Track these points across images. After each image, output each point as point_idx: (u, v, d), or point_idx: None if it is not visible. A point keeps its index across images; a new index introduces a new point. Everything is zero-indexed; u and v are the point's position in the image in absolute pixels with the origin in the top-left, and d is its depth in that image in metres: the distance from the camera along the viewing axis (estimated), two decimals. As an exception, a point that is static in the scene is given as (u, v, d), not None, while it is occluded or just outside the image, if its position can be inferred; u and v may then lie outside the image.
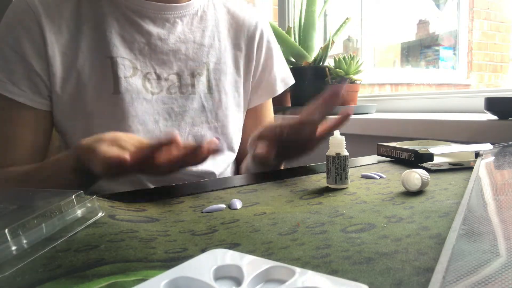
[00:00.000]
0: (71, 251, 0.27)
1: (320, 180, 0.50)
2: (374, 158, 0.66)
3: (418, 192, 0.41)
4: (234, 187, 0.48)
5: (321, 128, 0.54)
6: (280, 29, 1.38)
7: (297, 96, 1.40)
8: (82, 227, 0.31)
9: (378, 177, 0.50)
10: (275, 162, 0.61)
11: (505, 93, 1.14)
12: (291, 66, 1.43)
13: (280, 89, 0.81)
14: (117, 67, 0.63)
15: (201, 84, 0.70)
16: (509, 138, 0.71)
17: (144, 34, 0.65)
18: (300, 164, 0.63)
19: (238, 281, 0.21)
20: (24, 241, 0.27)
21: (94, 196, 0.34)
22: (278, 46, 0.84)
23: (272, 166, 0.63)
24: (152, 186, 0.64)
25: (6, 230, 0.26)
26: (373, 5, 2.24)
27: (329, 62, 1.36)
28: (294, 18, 1.50)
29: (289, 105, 1.48)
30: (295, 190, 0.45)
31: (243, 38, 0.76)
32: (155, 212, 0.37)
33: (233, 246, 0.28)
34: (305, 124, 0.54)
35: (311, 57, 1.41)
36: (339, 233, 0.30)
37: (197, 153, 0.44)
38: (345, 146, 0.46)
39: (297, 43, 1.43)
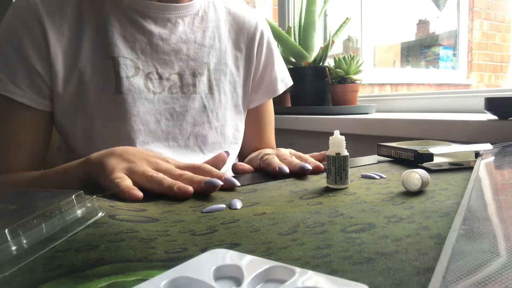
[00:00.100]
0: (71, 251, 0.27)
1: (320, 180, 0.50)
2: (374, 158, 0.66)
3: (418, 192, 0.41)
4: (234, 187, 0.48)
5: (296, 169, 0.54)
6: (280, 29, 1.38)
7: (297, 96, 1.40)
8: (82, 227, 0.31)
9: (378, 177, 0.50)
10: None
11: (505, 93, 1.14)
12: (291, 66, 1.43)
13: (281, 89, 0.82)
14: (119, 67, 0.63)
15: (202, 84, 0.70)
16: (509, 138, 0.71)
17: (145, 34, 0.65)
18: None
19: (238, 281, 0.21)
20: (24, 241, 0.27)
21: (94, 196, 0.34)
22: (277, 47, 0.84)
23: None
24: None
25: (6, 230, 0.26)
26: (373, 5, 2.24)
27: (329, 62, 1.36)
28: (294, 18, 1.50)
29: (289, 105, 1.48)
30: (295, 190, 0.45)
31: (244, 39, 0.76)
32: (155, 212, 0.37)
33: (233, 246, 0.28)
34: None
35: (311, 57, 1.41)
36: (339, 233, 0.30)
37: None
38: (345, 146, 0.46)
39: (297, 43, 1.43)
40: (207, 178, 0.44)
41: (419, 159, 0.56)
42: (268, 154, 0.58)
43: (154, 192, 0.44)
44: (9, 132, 0.63)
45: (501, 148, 0.60)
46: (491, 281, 0.20)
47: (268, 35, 0.80)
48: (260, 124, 0.83)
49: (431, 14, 3.06)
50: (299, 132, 1.27)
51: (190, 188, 0.43)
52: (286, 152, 0.60)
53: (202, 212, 0.37)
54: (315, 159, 0.57)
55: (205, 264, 0.22)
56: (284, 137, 1.33)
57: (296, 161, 0.54)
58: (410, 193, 0.41)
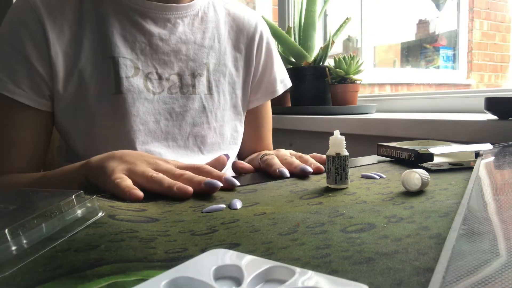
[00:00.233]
0: (71, 251, 0.27)
1: (320, 180, 0.50)
2: (374, 158, 0.66)
3: (418, 192, 0.41)
4: (234, 187, 0.48)
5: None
6: (280, 29, 1.38)
7: (297, 96, 1.40)
8: (82, 227, 0.31)
9: (378, 177, 0.50)
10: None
11: (505, 93, 1.14)
12: (291, 66, 1.43)
13: (280, 90, 0.82)
14: (118, 67, 0.63)
15: (202, 85, 0.70)
16: (509, 138, 0.71)
17: (145, 34, 0.65)
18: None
19: (238, 281, 0.21)
20: (24, 241, 0.27)
21: (94, 196, 0.34)
22: (276, 48, 0.84)
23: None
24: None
25: (6, 230, 0.26)
26: (373, 5, 2.24)
27: (329, 62, 1.36)
28: (294, 18, 1.50)
29: (289, 105, 1.48)
30: (295, 190, 0.45)
31: (243, 40, 0.76)
32: (155, 212, 0.37)
33: (233, 246, 0.28)
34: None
35: (311, 57, 1.41)
36: (339, 233, 0.30)
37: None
38: (345, 146, 0.46)
39: (297, 43, 1.43)
40: (207, 179, 0.44)
41: (419, 159, 0.56)
42: (268, 154, 0.58)
43: (154, 192, 0.44)
44: (9, 133, 0.62)
45: (501, 148, 0.60)
46: (491, 281, 0.20)
47: (268, 36, 0.79)
48: (258, 125, 0.82)
49: (431, 14, 3.06)
50: (299, 132, 1.27)
51: (190, 189, 0.43)
52: (286, 152, 0.60)
53: (202, 212, 0.37)
54: (316, 160, 0.57)
55: (205, 264, 0.22)
56: (284, 137, 1.33)
57: (297, 162, 0.54)
58: (410, 193, 0.41)
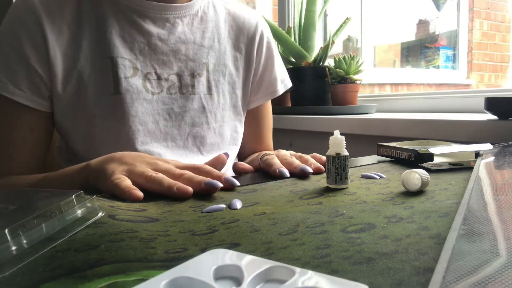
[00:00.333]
0: (71, 251, 0.27)
1: (320, 180, 0.50)
2: (374, 158, 0.66)
3: (418, 192, 0.41)
4: (234, 187, 0.48)
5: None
6: (280, 29, 1.38)
7: (297, 96, 1.40)
8: (82, 227, 0.31)
9: (378, 177, 0.50)
10: None
11: (505, 93, 1.14)
12: (291, 66, 1.43)
13: (280, 89, 0.81)
14: (117, 67, 0.63)
15: (201, 85, 0.70)
16: (509, 138, 0.71)
17: (144, 34, 0.65)
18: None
19: (238, 281, 0.21)
20: (24, 241, 0.27)
21: (94, 196, 0.34)
22: (277, 48, 0.84)
23: None
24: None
25: (6, 230, 0.26)
26: (373, 5, 2.24)
27: (329, 62, 1.36)
28: (294, 18, 1.50)
29: (289, 105, 1.48)
30: (295, 190, 0.45)
31: (243, 40, 0.76)
32: (155, 212, 0.37)
33: (233, 246, 0.28)
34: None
35: (311, 57, 1.41)
36: (339, 233, 0.30)
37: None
38: (345, 146, 0.46)
39: (297, 43, 1.43)
40: (207, 179, 0.44)
41: (419, 159, 0.56)
42: (268, 154, 0.58)
43: (154, 192, 0.44)
44: (9, 133, 0.63)
45: (501, 148, 0.60)
46: (491, 281, 0.20)
47: (268, 36, 0.79)
48: (258, 125, 0.82)
49: (431, 14, 3.06)
50: (299, 132, 1.27)
51: (190, 189, 0.43)
52: (286, 153, 0.60)
53: (202, 212, 0.37)
54: (316, 160, 0.57)
55: (205, 264, 0.22)
56: (284, 137, 1.33)
57: (297, 162, 0.54)
58: (410, 193, 0.41)
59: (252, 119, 0.81)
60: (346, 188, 0.45)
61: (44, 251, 0.27)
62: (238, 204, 0.39)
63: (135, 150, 0.64)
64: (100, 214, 0.34)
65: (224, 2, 0.76)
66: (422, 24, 3.18)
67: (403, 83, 2.63)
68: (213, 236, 0.30)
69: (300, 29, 1.45)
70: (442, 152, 0.55)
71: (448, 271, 0.21)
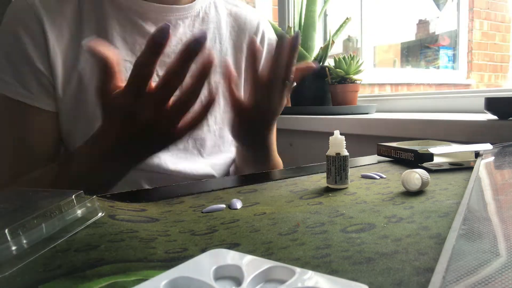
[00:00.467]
0: (71, 251, 0.27)
1: (320, 180, 0.50)
2: (374, 158, 0.66)
3: (418, 192, 0.41)
4: (234, 187, 0.48)
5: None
6: (280, 29, 1.38)
7: (297, 96, 1.40)
8: (82, 227, 0.31)
9: (378, 177, 0.50)
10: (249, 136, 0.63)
11: (505, 93, 1.14)
12: (291, 66, 1.43)
13: None
14: None
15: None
16: (509, 138, 0.71)
17: (145, 36, 0.65)
18: (300, 165, 0.63)
19: (238, 281, 0.21)
20: (24, 241, 0.27)
21: (94, 196, 0.34)
22: None
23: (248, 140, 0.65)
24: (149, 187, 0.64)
25: (6, 230, 0.26)
26: (373, 5, 2.24)
27: (329, 62, 1.36)
28: (294, 18, 1.50)
29: (289, 105, 1.48)
30: (295, 190, 0.45)
31: (245, 40, 0.76)
32: (155, 212, 0.37)
33: (233, 246, 0.28)
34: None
35: (311, 57, 1.41)
36: (339, 233, 0.30)
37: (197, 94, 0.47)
38: (345, 146, 0.46)
39: (297, 43, 1.42)
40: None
41: (419, 159, 0.56)
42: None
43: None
44: (22, 136, 0.62)
45: (501, 148, 0.60)
46: (491, 281, 0.20)
47: (270, 36, 0.79)
48: None
49: (431, 14, 3.06)
50: (299, 132, 1.27)
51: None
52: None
53: (202, 212, 0.37)
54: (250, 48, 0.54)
55: (205, 264, 0.22)
56: (284, 137, 1.33)
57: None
58: (410, 193, 0.41)
59: None
60: (346, 188, 0.45)
61: (44, 251, 0.27)
62: (238, 204, 0.39)
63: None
64: (100, 214, 0.34)
65: (226, 2, 0.76)
66: (422, 24, 3.18)
67: (403, 83, 2.63)
68: (213, 236, 0.30)
69: (300, 29, 1.45)
70: (442, 152, 0.55)
71: (448, 271, 0.21)
